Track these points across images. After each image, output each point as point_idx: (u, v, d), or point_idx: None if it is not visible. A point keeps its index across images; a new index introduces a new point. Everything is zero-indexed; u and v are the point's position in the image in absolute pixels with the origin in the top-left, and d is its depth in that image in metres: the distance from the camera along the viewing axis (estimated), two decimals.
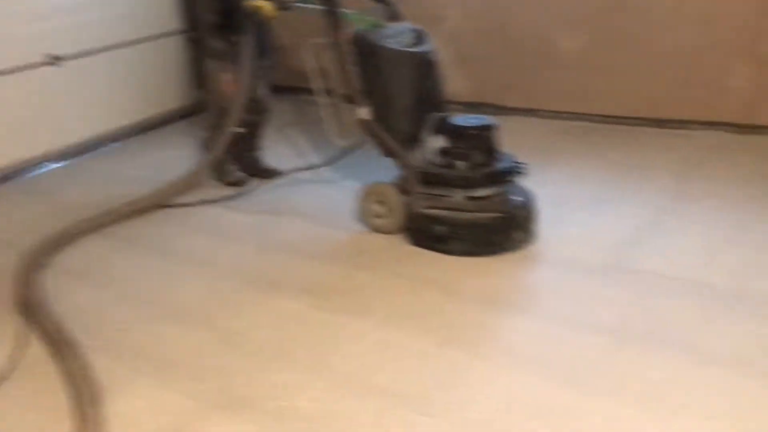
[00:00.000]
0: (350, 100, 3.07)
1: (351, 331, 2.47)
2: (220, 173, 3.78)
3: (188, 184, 3.55)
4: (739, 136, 4.03)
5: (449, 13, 4.73)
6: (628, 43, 4.23)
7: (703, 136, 4.08)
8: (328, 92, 3.22)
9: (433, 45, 3.19)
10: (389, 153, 3.05)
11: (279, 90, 5.44)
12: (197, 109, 5.35)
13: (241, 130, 3.62)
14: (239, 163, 3.83)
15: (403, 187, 3.07)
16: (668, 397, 2.04)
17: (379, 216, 3.14)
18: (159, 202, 3.50)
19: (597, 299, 2.56)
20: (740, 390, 2.04)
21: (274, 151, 4.16)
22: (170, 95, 5.13)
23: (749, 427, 1.89)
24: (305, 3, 3.25)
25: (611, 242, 2.97)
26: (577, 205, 3.24)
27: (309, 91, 5.43)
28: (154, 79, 4.99)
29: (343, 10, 3.06)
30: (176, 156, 4.38)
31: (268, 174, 3.87)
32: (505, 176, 2.95)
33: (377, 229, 3.16)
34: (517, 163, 3.01)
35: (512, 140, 3.15)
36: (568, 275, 2.75)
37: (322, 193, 3.68)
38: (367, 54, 3.01)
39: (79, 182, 4.01)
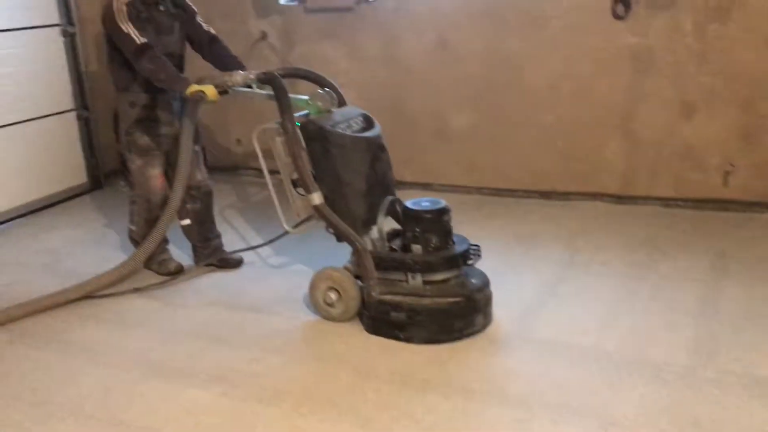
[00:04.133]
0: (297, 184, 3.01)
1: (264, 420, 2.43)
2: (158, 265, 3.66)
3: (119, 276, 3.40)
4: (617, 206, 4.36)
5: (346, 94, 4.86)
6: (513, 121, 4.52)
7: (585, 206, 4.38)
8: (276, 176, 3.15)
9: (380, 128, 3.20)
10: (343, 237, 2.96)
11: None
12: (91, 187, 5.19)
13: (187, 222, 3.59)
14: (199, 256, 3.71)
15: (357, 272, 2.99)
16: None
17: (331, 303, 3.02)
18: (87, 293, 3.35)
19: (506, 372, 2.66)
20: None
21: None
22: (64, 174, 5.00)
23: None
24: (249, 87, 3.20)
25: (515, 314, 3.08)
26: None
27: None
28: (47, 157, 4.85)
29: (291, 95, 3.02)
30: (72, 238, 4.23)
31: (230, 264, 3.71)
32: (462, 259, 2.91)
33: (330, 317, 3.04)
34: (472, 245, 3.01)
35: None
36: (479, 350, 2.82)
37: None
38: (318, 139, 2.94)
39: None
